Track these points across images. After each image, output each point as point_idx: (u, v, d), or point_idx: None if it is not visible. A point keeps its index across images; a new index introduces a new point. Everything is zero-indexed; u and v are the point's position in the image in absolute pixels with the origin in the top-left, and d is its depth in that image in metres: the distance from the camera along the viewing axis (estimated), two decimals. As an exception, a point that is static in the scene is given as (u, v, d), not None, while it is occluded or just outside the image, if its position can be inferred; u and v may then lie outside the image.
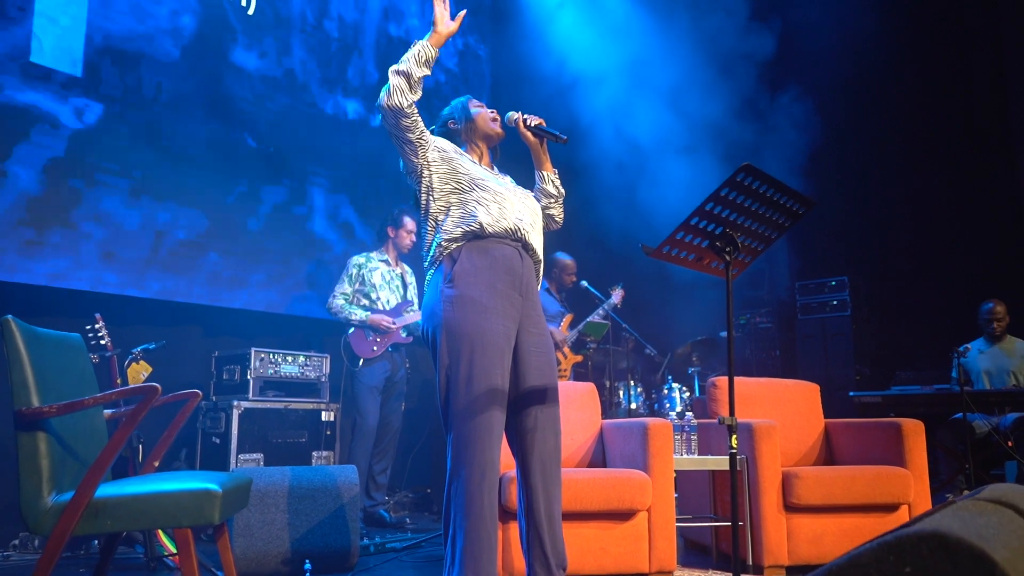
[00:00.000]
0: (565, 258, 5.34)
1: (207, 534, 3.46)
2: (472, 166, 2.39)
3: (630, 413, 5.27)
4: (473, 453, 2.10)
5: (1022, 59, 7.21)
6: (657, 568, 2.82)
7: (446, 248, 2.29)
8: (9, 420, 1.85)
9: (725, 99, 6.70)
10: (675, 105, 6.55)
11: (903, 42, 7.30)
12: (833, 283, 7.35)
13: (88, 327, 3.27)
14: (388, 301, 4.50)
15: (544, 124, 2.48)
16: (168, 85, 4.30)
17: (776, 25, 7.29)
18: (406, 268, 4.70)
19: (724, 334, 7.12)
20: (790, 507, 3.00)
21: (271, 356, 4.16)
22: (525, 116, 2.50)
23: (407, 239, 4.61)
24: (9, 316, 1.89)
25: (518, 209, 2.37)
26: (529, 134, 2.50)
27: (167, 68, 4.30)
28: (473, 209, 2.29)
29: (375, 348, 4.40)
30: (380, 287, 4.50)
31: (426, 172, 2.35)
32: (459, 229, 2.28)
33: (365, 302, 4.46)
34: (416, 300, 4.64)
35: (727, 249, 1.93)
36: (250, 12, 4.78)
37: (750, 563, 2.97)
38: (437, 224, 2.34)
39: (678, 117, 6.53)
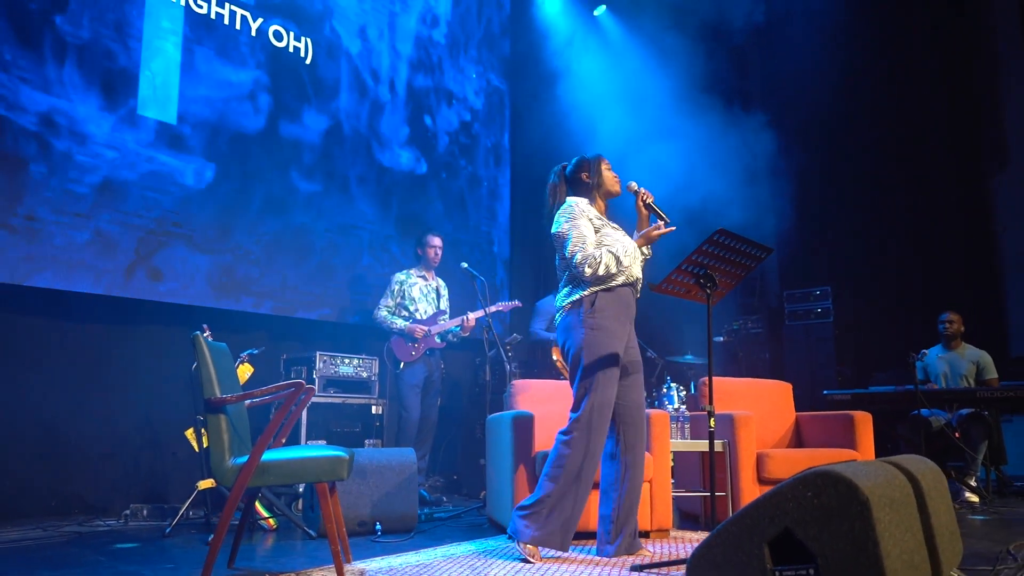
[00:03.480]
0: (575, 270, 6.08)
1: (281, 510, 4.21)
2: (610, 231, 3.18)
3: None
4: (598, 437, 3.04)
5: (992, 87, 7.98)
6: (657, 527, 3.59)
7: (588, 294, 3.10)
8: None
9: (716, 123, 7.38)
10: (670, 132, 7.23)
11: (879, 71, 8.05)
12: (817, 292, 8.08)
13: (197, 333, 4.02)
14: (425, 311, 5.28)
15: (654, 201, 3.25)
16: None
17: (758, 52, 8.04)
18: (440, 282, 5.47)
19: (718, 339, 7.90)
20: (763, 480, 3.77)
21: (332, 358, 4.92)
22: (642, 190, 3.27)
23: (432, 252, 5.37)
24: (197, 332, 2.65)
25: (637, 266, 3.18)
26: (643, 207, 3.28)
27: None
28: (616, 276, 3.11)
29: (413, 353, 5.17)
30: (418, 299, 5.28)
31: None
32: (602, 284, 3.09)
33: (405, 313, 5.22)
34: (448, 309, 5.41)
35: (708, 285, 2.70)
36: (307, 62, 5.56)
37: (731, 525, 3.73)
38: (583, 280, 3.13)
39: (673, 143, 7.22)
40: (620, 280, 3.12)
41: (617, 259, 3.07)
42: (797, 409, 4.60)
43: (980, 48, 8.06)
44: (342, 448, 2.72)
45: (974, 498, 4.90)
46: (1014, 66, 7.08)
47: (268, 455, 2.58)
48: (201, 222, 4.82)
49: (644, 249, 3.32)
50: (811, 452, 3.82)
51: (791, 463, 3.75)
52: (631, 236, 3.30)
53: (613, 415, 3.11)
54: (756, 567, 1.99)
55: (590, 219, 3.19)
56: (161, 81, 4.68)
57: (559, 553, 3.12)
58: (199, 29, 4.90)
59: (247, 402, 2.98)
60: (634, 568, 2.78)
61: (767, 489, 3.81)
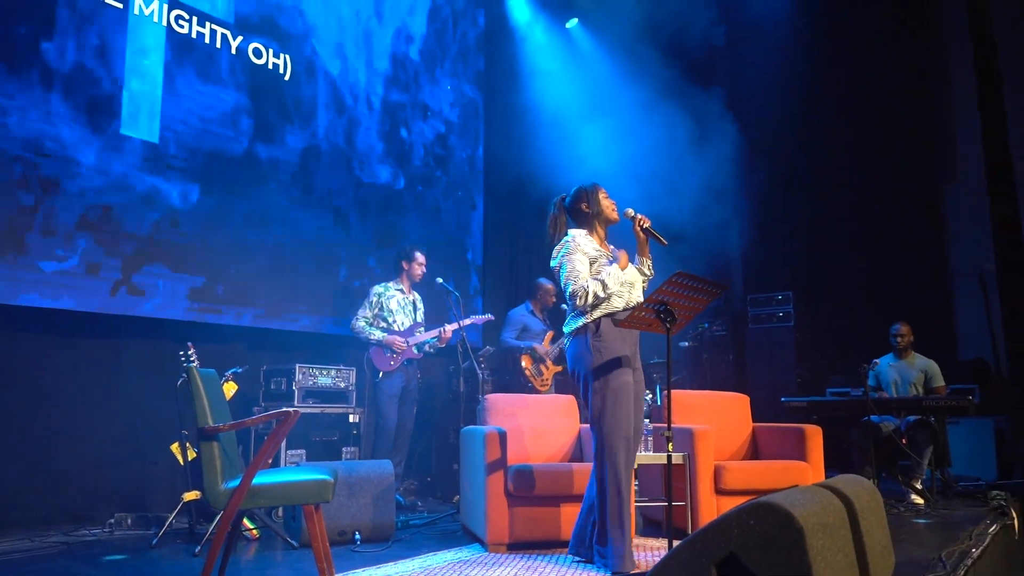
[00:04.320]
0: (547, 283, 6.28)
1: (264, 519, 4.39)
2: (605, 262, 3.39)
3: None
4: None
5: (944, 102, 8.32)
6: (621, 536, 3.82)
7: (591, 320, 3.32)
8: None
9: (684, 134, 7.62)
10: (639, 142, 7.46)
11: (837, 87, 8.36)
12: (779, 297, 8.39)
13: (182, 352, 4.17)
14: (403, 323, 5.46)
15: (651, 225, 3.46)
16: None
17: (723, 65, 8.31)
18: (417, 296, 5.66)
19: (684, 344, 8.17)
20: (720, 491, 4.03)
21: (311, 370, 5.10)
22: (639, 216, 3.47)
23: (418, 270, 5.56)
24: (191, 364, 2.82)
25: (637, 291, 3.41)
26: (640, 232, 3.49)
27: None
28: (615, 300, 3.34)
29: (392, 363, 5.35)
30: (396, 312, 5.46)
31: None
32: (602, 310, 3.32)
33: (383, 324, 5.41)
34: (424, 322, 5.61)
35: (668, 319, 2.93)
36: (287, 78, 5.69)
37: (690, 533, 3.98)
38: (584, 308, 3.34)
39: (642, 153, 7.45)
40: (621, 306, 3.34)
41: (603, 284, 3.29)
42: (758, 412, 4.89)
43: (933, 64, 8.41)
44: (327, 470, 2.91)
45: (919, 500, 5.22)
46: (965, 81, 7.39)
47: (258, 479, 2.76)
48: (184, 240, 4.95)
49: (645, 270, 3.53)
50: (765, 464, 4.09)
51: (746, 475, 4.01)
52: (632, 258, 3.55)
53: None
54: (705, 587, 2.22)
55: (585, 252, 3.41)
56: (144, 103, 4.80)
57: (526, 559, 3.34)
58: (180, 49, 5.02)
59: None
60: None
61: (724, 499, 4.09)
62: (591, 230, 3.53)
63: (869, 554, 2.50)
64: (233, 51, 5.33)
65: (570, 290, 3.31)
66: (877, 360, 5.94)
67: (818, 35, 8.48)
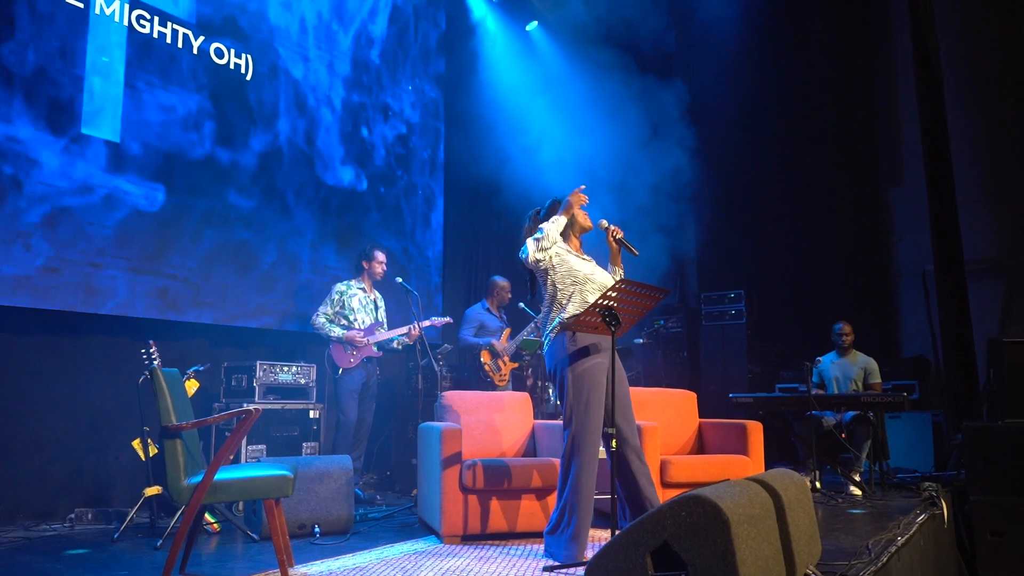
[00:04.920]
0: (502, 280, 6.41)
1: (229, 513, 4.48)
2: (579, 262, 3.54)
3: (556, 409, 6.45)
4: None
5: (891, 107, 8.64)
6: (571, 527, 4.00)
7: (568, 321, 3.42)
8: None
9: (639, 136, 7.80)
10: (597, 142, 7.63)
11: (786, 91, 8.63)
12: (732, 295, 8.66)
13: (143, 351, 4.24)
14: (363, 321, 5.57)
15: (623, 235, 3.62)
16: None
17: (676, 68, 8.52)
18: (379, 295, 5.78)
19: (638, 340, 8.39)
20: (666, 484, 4.22)
21: (271, 367, 5.19)
22: (612, 227, 3.63)
23: (378, 268, 5.68)
24: (154, 364, 2.92)
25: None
26: (613, 242, 3.66)
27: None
28: (587, 299, 3.43)
29: (352, 360, 5.47)
30: (358, 310, 5.57)
31: (551, 273, 3.51)
32: (578, 311, 3.41)
33: (344, 322, 5.51)
34: (386, 321, 5.73)
35: (613, 322, 3.10)
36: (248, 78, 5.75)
37: (637, 524, 4.17)
38: (562, 306, 3.47)
39: (600, 153, 7.63)
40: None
41: (544, 236, 3.46)
42: (710, 407, 5.12)
43: (880, 69, 8.72)
44: (287, 466, 3.03)
45: (857, 492, 5.48)
46: (911, 86, 7.69)
47: (220, 475, 2.88)
48: (146, 240, 5.00)
49: (617, 278, 3.69)
50: (709, 459, 4.30)
51: (690, 469, 4.21)
52: (605, 267, 3.71)
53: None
54: (640, 574, 2.40)
55: (556, 240, 3.53)
56: (106, 103, 4.83)
57: (478, 550, 3.50)
58: (142, 49, 5.05)
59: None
60: (546, 569, 3.18)
61: (669, 492, 4.29)
62: (566, 239, 3.67)
63: (794, 543, 2.71)
64: (195, 51, 5.38)
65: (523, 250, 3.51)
66: (820, 358, 6.21)
67: (767, 41, 8.76)
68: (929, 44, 7.26)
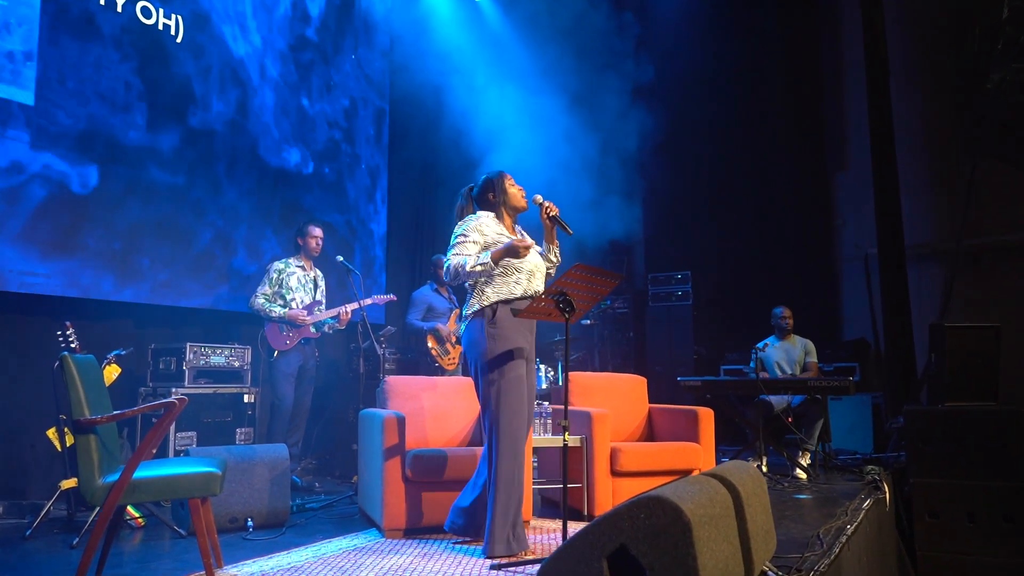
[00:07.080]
0: (442, 258, 6.21)
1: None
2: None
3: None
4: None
5: (836, 92, 8.67)
6: (518, 518, 3.86)
7: (488, 304, 3.27)
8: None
9: (589, 116, 7.65)
10: (545, 120, 7.44)
11: (733, 77, 8.62)
12: (679, 276, 8.65)
13: (59, 332, 3.93)
14: (302, 301, 5.31)
15: (559, 214, 3.40)
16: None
17: (629, 47, 8.40)
18: (319, 273, 5.51)
19: (585, 321, 8.29)
20: (616, 472, 4.11)
21: (202, 349, 4.90)
22: (547, 203, 3.41)
23: (313, 243, 5.41)
24: (65, 353, 2.65)
25: (539, 279, 3.37)
26: (547, 220, 3.43)
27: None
28: (512, 287, 3.30)
29: (288, 342, 5.21)
30: (296, 289, 5.30)
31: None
32: (499, 295, 3.28)
33: (282, 302, 5.24)
34: (324, 300, 5.47)
35: (567, 309, 2.94)
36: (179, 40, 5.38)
37: (585, 513, 4.07)
38: (483, 290, 3.31)
39: (548, 132, 7.44)
40: (519, 293, 3.32)
41: (461, 267, 3.28)
42: (656, 388, 5.02)
43: (826, 55, 8.75)
44: (215, 462, 2.80)
45: (803, 475, 5.49)
46: (858, 73, 7.72)
47: (140, 472, 2.63)
48: (70, 217, 4.64)
49: (552, 257, 3.52)
50: (659, 446, 4.20)
51: (640, 457, 4.11)
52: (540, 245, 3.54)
53: None
54: (595, 578, 2.26)
55: (483, 233, 3.36)
56: (18, 61, 4.44)
57: (421, 545, 3.34)
58: (62, 8, 4.65)
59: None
60: (493, 567, 3.03)
61: (619, 480, 4.18)
62: (499, 217, 3.49)
63: (752, 540, 2.60)
64: (119, 9, 4.99)
65: (446, 261, 3.37)
66: (767, 341, 6.19)
67: (716, 25, 8.70)
68: (877, 31, 7.28)
